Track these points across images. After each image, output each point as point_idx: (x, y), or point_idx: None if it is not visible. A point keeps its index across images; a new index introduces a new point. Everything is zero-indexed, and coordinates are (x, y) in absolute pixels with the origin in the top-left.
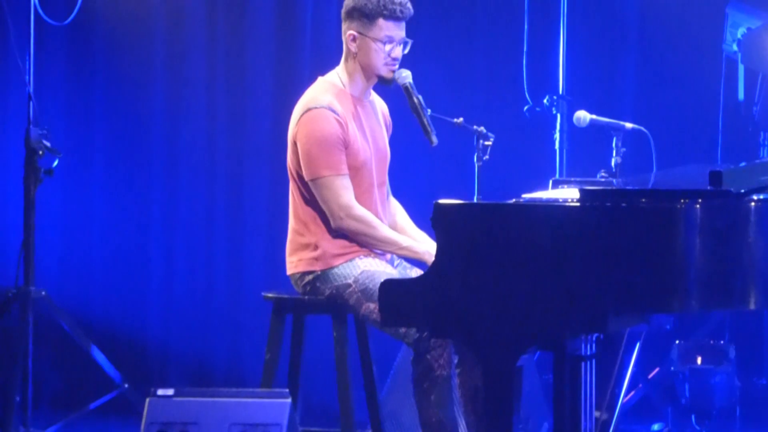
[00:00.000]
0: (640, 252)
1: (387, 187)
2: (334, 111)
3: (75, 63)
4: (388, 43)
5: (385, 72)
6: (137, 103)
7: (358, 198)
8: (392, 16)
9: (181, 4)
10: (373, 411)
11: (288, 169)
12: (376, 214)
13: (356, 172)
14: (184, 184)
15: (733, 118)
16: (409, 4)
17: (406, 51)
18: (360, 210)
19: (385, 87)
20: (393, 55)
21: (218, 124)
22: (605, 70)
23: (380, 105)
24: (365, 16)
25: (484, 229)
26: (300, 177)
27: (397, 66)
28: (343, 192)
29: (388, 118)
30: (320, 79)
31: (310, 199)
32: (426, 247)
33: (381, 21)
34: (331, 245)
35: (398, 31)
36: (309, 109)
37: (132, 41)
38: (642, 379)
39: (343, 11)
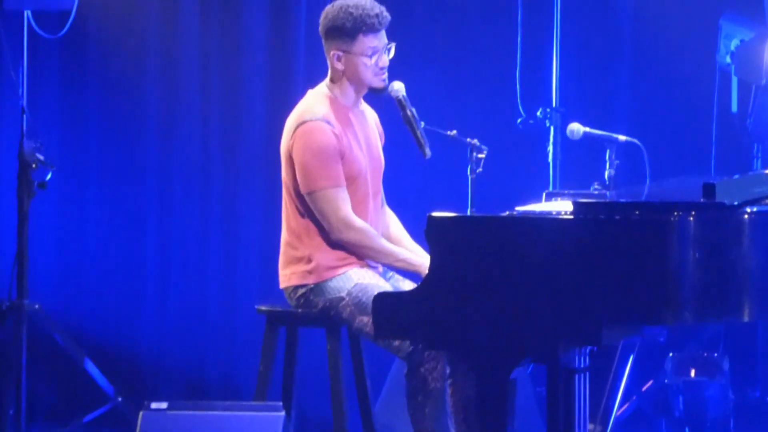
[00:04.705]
0: (634, 265)
1: (381, 196)
2: (329, 123)
3: (68, 76)
4: (374, 55)
5: (376, 83)
6: (131, 115)
7: (353, 208)
8: (371, 30)
9: (174, 16)
10: (367, 424)
11: (282, 182)
12: (371, 224)
13: (352, 182)
14: (178, 196)
15: (726, 130)
16: (384, 11)
17: (392, 55)
18: (359, 222)
19: (377, 98)
20: (380, 64)
21: (212, 137)
22: (599, 83)
23: (372, 115)
24: (345, 35)
25: (477, 241)
26: (294, 190)
27: (386, 74)
28: (342, 204)
29: (380, 127)
30: (310, 91)
31: (304, 212)
32: (422, 260)
33: (361, 36)
34: (324, 258)
35: (380, 41)
36: (304, 121)
37: (125, 54)
38: (636, 391)
39: (321, 30)
